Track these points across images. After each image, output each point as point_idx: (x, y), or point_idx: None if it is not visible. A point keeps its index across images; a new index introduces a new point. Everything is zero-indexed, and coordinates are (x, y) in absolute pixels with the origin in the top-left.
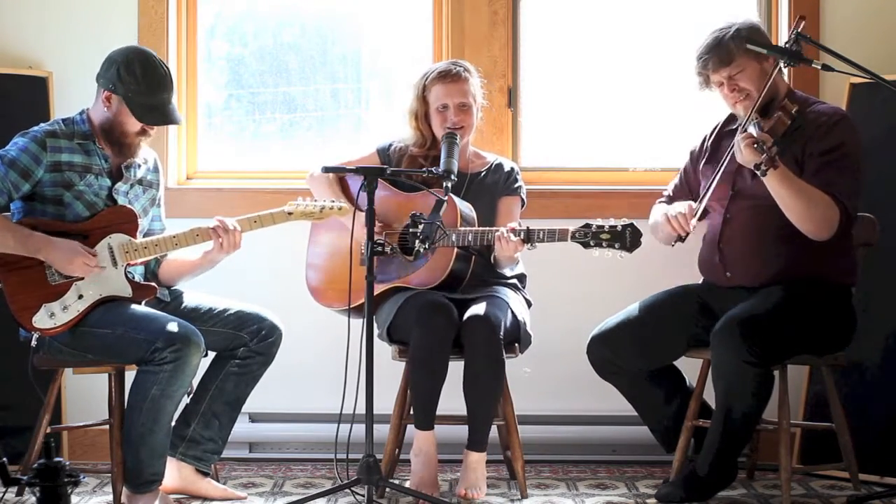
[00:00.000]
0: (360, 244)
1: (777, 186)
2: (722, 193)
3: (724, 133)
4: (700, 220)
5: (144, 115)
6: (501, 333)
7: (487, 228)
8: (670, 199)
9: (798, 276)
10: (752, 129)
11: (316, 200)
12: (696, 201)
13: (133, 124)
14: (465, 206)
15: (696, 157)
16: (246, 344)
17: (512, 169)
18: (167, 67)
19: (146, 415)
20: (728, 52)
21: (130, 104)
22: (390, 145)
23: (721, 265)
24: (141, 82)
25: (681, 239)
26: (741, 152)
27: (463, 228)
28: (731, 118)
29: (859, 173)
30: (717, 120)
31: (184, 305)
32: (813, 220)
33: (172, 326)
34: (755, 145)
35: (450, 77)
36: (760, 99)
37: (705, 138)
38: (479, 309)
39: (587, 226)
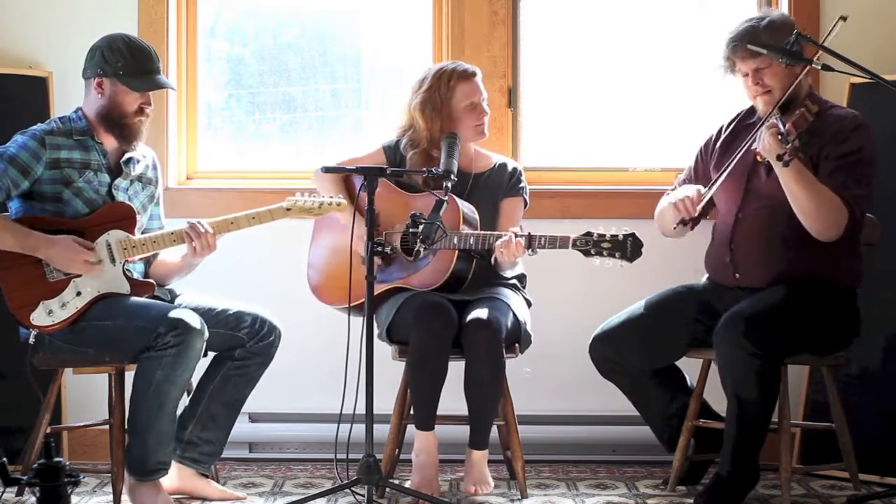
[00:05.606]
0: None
1: (793, 181)
2: (735, 189)
3: (743, 126)
4: (709, 213)
5: (138, 84)
6: (503, 336)
7: (489, 232)
8: None
9: (804, 276)
10: (777, 121)
11: (314, 196)
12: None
13: (130, 103)
14: (467, 208)
15: (711, 145)
16: (244, 345)
17: (515, 169)
18: (148, 45)
19: (151, 400)
20: (759, 44)
21: (122, 79)
22: (398, 142)
23: (731, 266)
24: (127, 56)
25: (683, 223)
26: (764, 141)
27: (465, 231)
28: (751, 111)
29: (872, 180)
30: (727, 114)
31: (182, 305)
32: (821, 219)
33: (173, 312)
34: (780, 136)
35: (472, 75)
36: (784, 98)
37: (722, 128)
38: (480, 312)
39: (588, 234)
